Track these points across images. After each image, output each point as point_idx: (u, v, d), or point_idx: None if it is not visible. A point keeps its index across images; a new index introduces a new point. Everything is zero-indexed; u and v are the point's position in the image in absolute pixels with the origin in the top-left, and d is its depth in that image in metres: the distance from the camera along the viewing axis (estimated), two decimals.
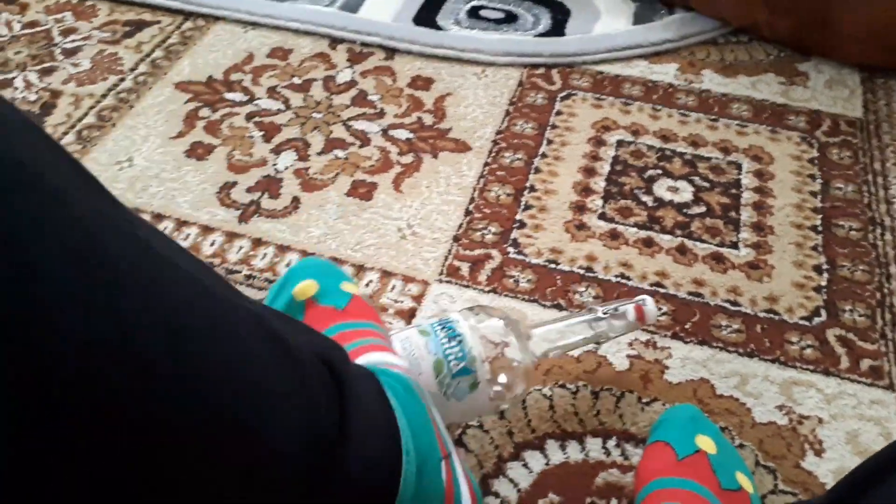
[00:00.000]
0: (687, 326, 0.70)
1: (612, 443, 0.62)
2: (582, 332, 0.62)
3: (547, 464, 0.60)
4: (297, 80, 0.95)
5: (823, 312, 0.71)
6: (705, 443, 0.57)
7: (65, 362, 0.24)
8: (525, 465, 0.60)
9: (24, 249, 0.24)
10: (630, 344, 0.68)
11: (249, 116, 0.90)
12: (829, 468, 0.60)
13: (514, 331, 0.59)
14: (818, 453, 0.61)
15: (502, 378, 0.58)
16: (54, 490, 0.25)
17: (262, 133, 0.88)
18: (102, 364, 0.25)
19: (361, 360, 0.50)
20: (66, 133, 0.87)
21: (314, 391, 0.36)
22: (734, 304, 0.72)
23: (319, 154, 0.85)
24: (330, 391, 0.37)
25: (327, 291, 0.56)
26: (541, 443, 0.62)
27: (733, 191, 0.82)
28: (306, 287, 0.56)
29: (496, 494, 0.59)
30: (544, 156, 0.86)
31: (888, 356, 0.68)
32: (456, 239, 0.77)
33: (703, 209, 0.80)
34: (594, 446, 0.62)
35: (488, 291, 0.72)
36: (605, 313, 0.62)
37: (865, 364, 0.67)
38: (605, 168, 0.85)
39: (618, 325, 0.63)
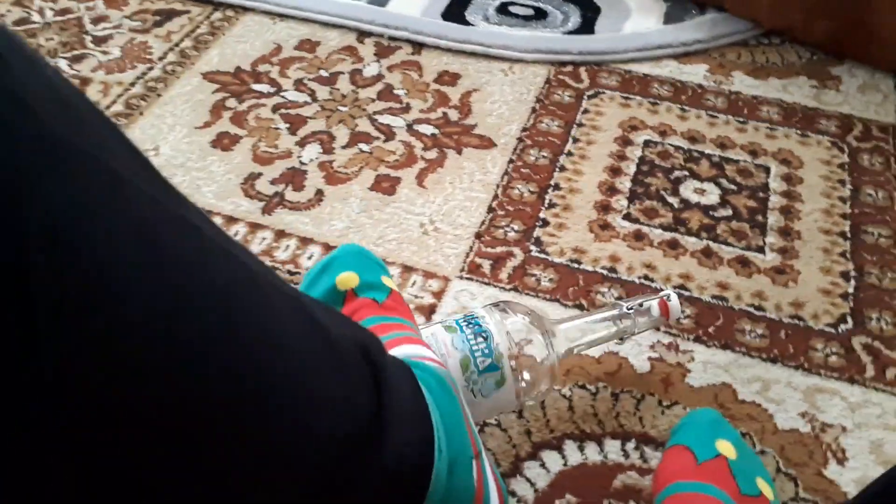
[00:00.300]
0: (710, 330, 0.69)
1: (630, 445, 0.61)
2: (606, 328, 0.62)
3: (565, 464, 0.60)
4: (324, 73, 0.95)
5: (850, 319, 0.70)
6: (725, 448, 0.57)
7: (119, 344, 0.25)
8: (542, 465, 0.60)
9: (74, 244, 0.24)
10: (651, 346, 0.68)
11: (276, 108, 0.90)
12: (852, 477, 0.60)
13: (539, 327, 0.59)
14: (841, 462, 0.61)
15: (527, 375, 0.58)
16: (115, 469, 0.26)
17: (287, 125, 0.88)
18: (155, 346, 0.26)
19: (396, 352, 0.50)
20: None
21: (353, 380, 0.36)
22: (758, 308, 0.71)
23: (344, 147, 0.86)
24: (368, 381, 0.38)
25: (368, 284, 0.57)
26: (559, 443, 0.61)
27: (761, 194, 0.81)
28: (348, 278, 0.56)
29: (513, 493, 0.58)
30: (570, 154, 0.86)
31: None
32: (478, 236, 0.76)
33: (729, 212, 0.79)
34: (613, 448, 0.61)
35: (509, 289, 0.72)
36: (629, 309, 0.62)
37: (891, 373, 0.66)
38: (631, 168, 0.84)
39: (642, 321, 0.62)
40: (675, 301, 0.63)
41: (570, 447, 0.61)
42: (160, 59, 0.97)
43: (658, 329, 0.68)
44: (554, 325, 0.61)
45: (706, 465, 0.56)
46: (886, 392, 0.65)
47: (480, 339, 0.57)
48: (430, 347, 0.53)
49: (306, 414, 0.32)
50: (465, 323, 0.59)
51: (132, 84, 0.93)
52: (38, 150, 0.24)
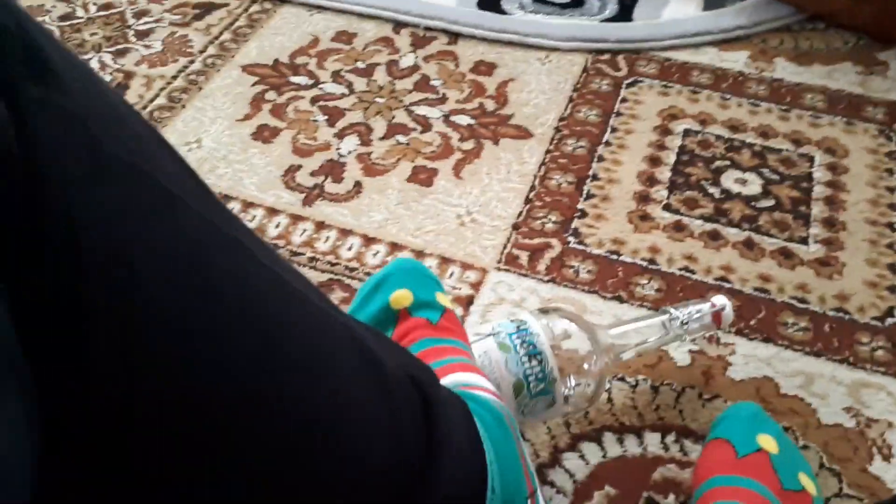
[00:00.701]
0: (752, 323, 0.68)
1: (670, 438, 0.61)
2: (655, 334, 0.61)
3: (604, 456, 0.60)
4: (360, 65, 0.96)
5: None
6: (767, 442, 0.56)
7: (160, 384, 0.25)
8: (581, 457, 0.60)
9: (128, 263, 0.24)
10: (693, 339, 0.67)
11: (314, 100, 0.91)
12: None
13: (588, 333, 0.59)
14: (886, 458, 0.60)
15: (573, 382, 0.57)
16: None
17: (325, 117, 0.89)
18: (196, 385, 0.26)
19: (448, 380, 0.49)
20: None
21: (404, 414, 0.35)
22: (802, 301, 0.70)
23: (381, 139, 0.86)
24: (418, 415, 0.36)
25: (422, 302, 0.55)
26: (598, 435, 0.61)
27: (804, 184, 0.80)
28: (402, 296, 0.55)
29: (552, 484, 0.59)
30: (608, 144, 0.85)
31: None
32: (515, 227, 0.76)
33: (771, 202, 0.78)
34: (653, 441, 0.61)
35: (547, 281, 0.72)
36: (680, 317, 0.61)
37: None
38: (670, 158, 0.83)
39: (693, 328, 0.62)
40: (728, 310, 0.62)
41: (609, 439, 0.61)
42: (200, 52, 0.98)
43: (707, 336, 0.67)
44: (602, 330, 0.60)
45: (747, 459, 0.55)
46: None
47: (535, 363, 0.56)
48: (484, 374, 0.52)
49: (353, 447, 0.32)
50: (520, 341, 0.57)
51: (174, 77, 0.95)
52: (96, 170, 0.24)
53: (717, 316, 0.62)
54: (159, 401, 0.25)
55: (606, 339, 0.60)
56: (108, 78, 0.95)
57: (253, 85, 0.93)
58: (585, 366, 0.57)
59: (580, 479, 0.59)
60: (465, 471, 0.39)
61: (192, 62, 0.97)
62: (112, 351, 0.24)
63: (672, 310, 0.62)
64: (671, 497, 0.58)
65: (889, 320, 0.68)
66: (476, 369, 0.52)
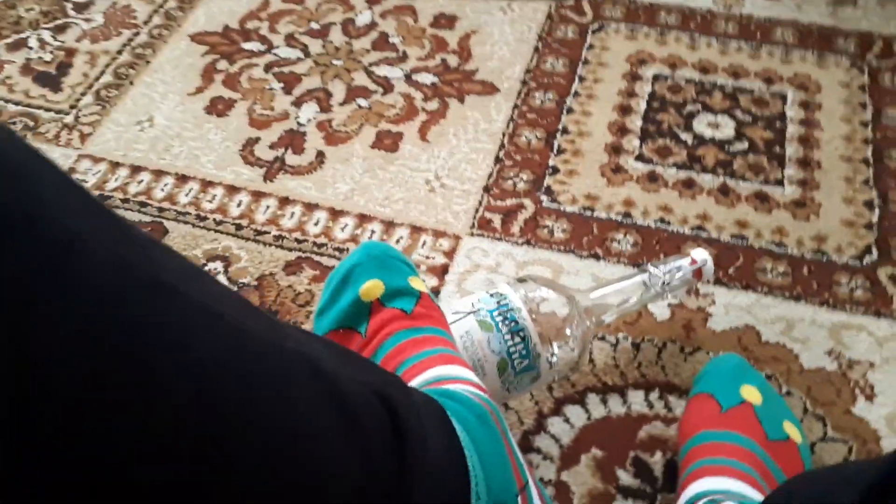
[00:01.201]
0: (730, 271, 0.67)
1: (654, 395, 0.61)
2: (637, 293, 0.60)
3: (588, 418, 0.60)
4: (315, 26, 0.92)
5: (874, 251, 0.68)
6: (750, 393, 0.56)
7: (73, 437, 0.23)
8: (566, 421, 0.60)
9: (27, 311, 0.22)
10: (674, 296, 0.66)
11: (268, 67, 0.87)
12: (882, 413, 0.59)
13: (568, 299, 0.57)
14: (869, 398, 0.60)
15: (556, 348, 0.56)
16: None
17: (281, 85, 0.85)
18: (115, 434, 0.24)
19: (428, 375, 0.47)
20: (84, 94, 0.85)
21: (370, 438, 0.33)
22: (779, 245, 0.69)
23: (342, 104, 0.83)
24: (387, 436, 0.35)
25: (395, 291, 0.52)
26: (581, 397, 0.61)
27: (778, 124, 0.78)
28: (373, 287, 0.52)
29: (538, 450, 0.58)
30: (577, 95, 0.82)
31: None
32: (486, 189, 0.74)
33: (745, 145, 0.77)
34: (636, 399, 0.60)
35: (522, 244, 0.70)
36: (661, 275, 0.60)
37: None
38: (641, 105, 0.81)
39: (674, 285, 0.60)
40: (709, 265, 0.61)
41: (593, 401, 0.60)
42: (145, 23, 0.93)
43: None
44: (583, 294, 0.59)
45: (731, 412, 0.55)
46: None
47: (518, 339, 0.54)
48: (466, 364, 0.50)
49: (314, 479, 0.30)
50: (501, 318, 0.55)
51: (119, 52, 0.90)
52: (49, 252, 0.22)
53: (697, 271, 0.61)
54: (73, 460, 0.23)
55: (587, 303, 0.58)
56: (48, 57, 0.90)
57: (203, 55, 0.89)
58: (567, 332, 0.56)
59: (566, 443, 0.58)
60: (444, 485, 0.38)
61: (136, 34, 0.92)
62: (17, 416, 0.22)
63: (652, 268, 0.61)
64: (658, 455, 0.58)
65: (867, 259, 0.68)
66: (457, 360, 0.50)
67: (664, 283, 0.59)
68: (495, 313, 0.55)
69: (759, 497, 0.48)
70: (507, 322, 0.55)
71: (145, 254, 0.28)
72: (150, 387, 0.25)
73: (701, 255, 0.61)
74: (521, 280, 0.58)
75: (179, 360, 0.26)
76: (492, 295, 0.57)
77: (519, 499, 0.43)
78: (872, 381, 0.60)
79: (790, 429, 0.55)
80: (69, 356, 0.24)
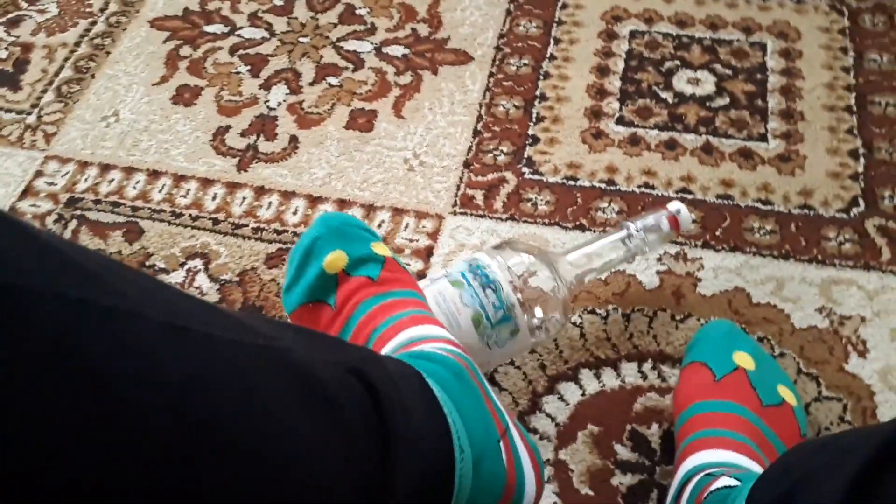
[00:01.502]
0: (717, 233, 0.66)
1: (647, 366, 0.60)
2: (615, 251, 0.59)
3: (583, 394, 0.59)
4: (278, 2, 0.88)
5: (861, 202, 0.67)
6: (743, 359, 0.56)
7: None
8: (561, 398, 0.59)
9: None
10: (659, 259, 0.65)
11: (233, 50, 0.84)
12: (875, 368, 0.59)
13: (546, 262, 0.57)
14: (862, 354, 0.59)
15: (539, 313, 0.56)
16: None
17: (248, 67, 0.82)
18: (92, 459, 0.23)
19: (401, 337, 0.47)
20: (44, 91, 0.82)
21: (351, 418, 0.33)
22: (766, 202, 0.68)
23: (312, 84, 0.80)
24: (368, 412, 0.35)
25: (359, 259, 0.52)
26: (574, 373, 0.60)
27: (758, 76, 0.76)
28: (336, 259, 0.52)
29: (534, 430, 0.58)
30: (553, 58, 0.80)
31: None
32: (466, 164, 0.73)
33: (726, 100, 0.75)
34: (629, 371, 0.60)
35: (506, 219, 0.69)
36: (638, 230, 0.59)
37: None
38: (619, 65, 0.79)
39: (652, 238, 0.60)
40: (684, 213, 0.60)
41: (586, 376, 0.60)
42: (101, 10, 0.90)
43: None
44: (561, 256, 0.59)
45: (725, 380, 0.55)
46: None
47: (490, 291, 0.55)
48: (438, 322, 0.50)
49: (294, 469, 0.30)
50: (472, 275, 0.56)
51: (77, 44, 0.86)
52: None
53: (673, 221, 0.60)
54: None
55: (565, 265, 0.58)
56: (3, 54, 0.86)
57: (165, 41, 0.86)
58: (549, 293, 0.56)
59: (562, 421, 0.58)
60: (427, 448, 0.39)
61: (94, 24, 0.88)
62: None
63: (629, 224, 0.60)
64: (654, 427, 0.58)
65: (854, 210, 0.67)
66: (428, 319, 0.51)
67: (642, 237, 0.59)
68: (466, 272, 0.56)
69: (756, 467, 0.48)
70: (477, 277, 0.55)
71: (98, 284, 0.26)
72: (122, 417, 0.25)
73: (675, 205, 0.61)
74: (498, 247, 0.58)
75: (148, 384, 0.26)
76: (466, 261, 0.58)
77: (501, 444, 0.44)
78: (864, 336, 0.60)
79: (784, 392, 0.55)
80: (25, 400, 0.23)
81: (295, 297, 0.54)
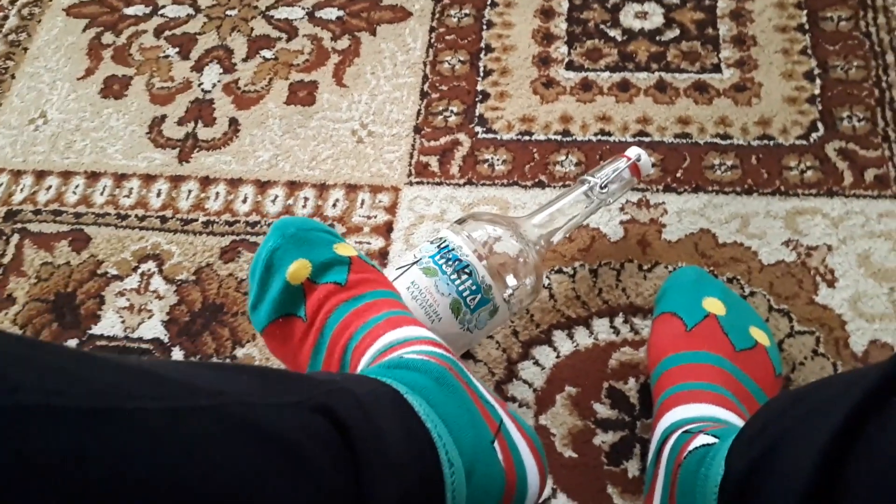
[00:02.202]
0: (678, 175, 0.65)
1: (619, 320, 0.60)
2: (580, 206, 0.58)
3: (558, 356, 0.59)
4: None
5: (820, 126, 0.66)
6: (713, 305, 0.55)
7: None
8: (536, 363, 0.59)
9: None
10: (622, 208, 0.64)
11: (158, 32, 0.79)
12: (844, 297, 0.59)
13: (512, 230, 0.55)
14: (831, 284, 0.59)
15: (511, 280, 0.54)
16: None
17: (176, 49, 0.78)
18: None
19: (380, 343, 0.45)
20: None
21: (316, 465, 0.31)
22: (725, 137, 0.66)
23: (245, 60, 0.76)
24: (337, 451, 0.33)
25: (323, 265, 0.49)
26: (547, 336, 0.60)
27: (706, 2, 0.74)
28: (298, 268, 0.49)
29: (513, 399, 0.58)
30: (494, 5, 0.77)
31: (893, 160, 0.63)
32: (417, 130, 0.70)
33: (676, 32, 0.72)
34: (602, 327, 0.60)
35: (464, 184, 0.67)
36: (602, 187, 0.58)
37: (870, 175, 0.63)
38: (563, 5, 0.75)
39: (614, 188, 0.59)
40: (644, 158, 0.59)
41: (559, 337, 0.60)
42: (11, 2, 0.84)
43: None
44: (525, 220, 0.57)
45: (696, 329, 0.54)
46: (867, 197, 0.62)
47: (465, 276, 0.53)
48: (416, 322, 0.48)
49: None
50: (444, 260, 0.54)
51: None
52: None
53: (634, 168, 0.59)
54: None
55: (531, 229, 0.56)
56: None
57: (84, 30, 0.81)
58: (520, 261, 0.55)
59: (539, 386, 0.58)
60: (411, 469, 0.37)
61: (5, 18, 0.83)
62: None
63: (589, 177, 0.58)
64: (631, 381, 0.57)
65: (813, 136, 0.66)
66: (405, 320, 0.48)
67: (604, 189, 0.57)
68: (437, 257, 0.54)
69: (734, 417, 0.48)
70: (450, 263, 0.54)
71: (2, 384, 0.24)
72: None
73: (634, 151, 0.59)
74: (461, 221, 0.56)
75: (70, 481, 0.23)
76: (432, 242, 0.56)
77: (496, 444, 0.43)
78: (832, 266, 0.60)
79: (757, 333, 0.55)
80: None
81: (263, 315, 0.50)
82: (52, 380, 0.24)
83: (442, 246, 0.55)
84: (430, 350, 0.45)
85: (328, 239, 0.51)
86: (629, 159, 0.59)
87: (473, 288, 0.53)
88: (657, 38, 0.72)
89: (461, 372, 0.45)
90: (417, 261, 0.55)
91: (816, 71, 0.69)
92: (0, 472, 0.21)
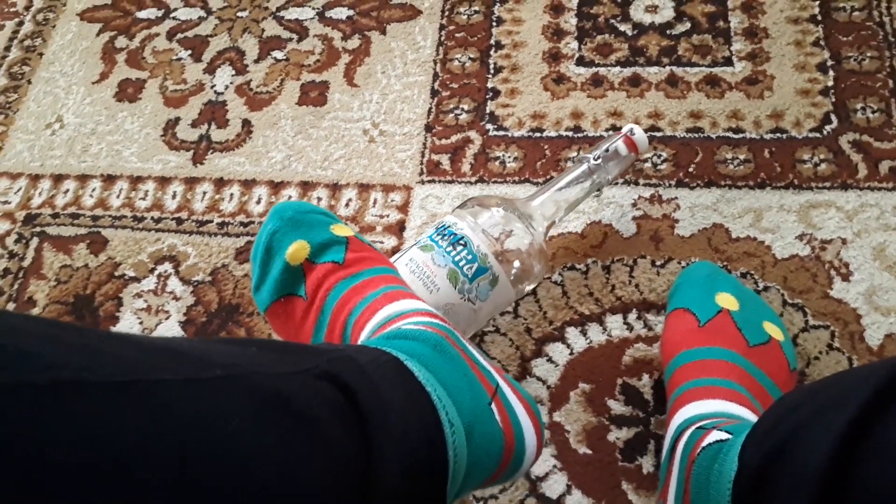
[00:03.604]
0: (691, 170, 0.65)
1: (632, 316, 0.60)
2: (581, 187, 0.58)
3: (571, 353, 0.59)
4: None
5: (833, 118, 0.65)
6: (726, 300, 0.55)
7: None
8: (549, 360, 0.59)
9: None
10: (633, 204, 0.64)
11: (170, 34, 0.80)
12: (859, 291, 0.58)
13: (513, 212, 0.56)
14: (845, 278, 0.59)
15: (517, 263, 0.55)
16: None
17: (189, 52, 0.79)
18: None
19: (379, 317, 0.46)
20: None
21: (324, 431, 0.33)
22: (737, 131, 0.66)
23: (257, 62, 0.77)
24: (345, 414, 0.34)
25: (321, 245, 0.51)
26: (561, 333, 0.60)
27: None
28: (297, 249, 0.51)
29: None
30: (504, 1, 0.77)
31: None
32: (428, 128, 0.70)
33: (687, 26, 0.72)
34: (615, 324, 0.60)
35: (475, 182, 0.67)
36: (596, 159, 0.58)
37: (884, 167, 0.63)
38: (573, 0, 0.75)
39: (612, 166, 0.59)
40: (638, 133, 0.59)
41: (572, 334, 0.60)
42: (26, 8, 0.85)
43: (632, 168, 0.64)
44: (527, 203, 0.57)
45: (709, 325, 0.54)
46: (882, 190, 0.62)
47: (460, 247, 0.54)
48: (412, 295, 0.49)
49: (275, 492, 0.30)
50: (440, 236, 0.55)
51: (7, 49, 0.82)
52: None
53: (630, 142, 0.59)
54: None
55: (533, 210, 0.57)
56: None
57: (98, 34, 0.81)
58: (525, 241, 0.55)
59: (553, 383, 0.58)
60: (413, 432, 0.38)
61: (21, 24, 0.84)
62: None
63: (587, 156, 0.59)
64: (645, 377, 0.57)
65: (827, 128, 0.65)
66: (403, 294, 0.50)
67: (602, 166, 0.58)
68: (434, 235, 0.56)
69: (747, 413, 0.48)
70: (445, 237, 0.55)
71: (32, 362, 0.25)
72: (70, 493, 0.24)
73: (627, 126, 0.60)
74: (463, 205, 0.57)
75: (94, 452, 0.24)
76: (432, 226, 0.57)
77: (493, 406, 0.44)
78: (847, 259, 0.60)
79: (770, 328, 0.55)
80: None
81: (265, 295, 0.53)
82: (80, 357, 0.25)
83: (439, 226, 0.57)
84: (428, 321, 0.47)
85: (325, 220, 0.53)
86: (625, 135, 0.59)
87: (469, 257, 0.54)
88: (668, 31, 0.72)
89: (456, 339, 0.47)
90: (416, 242, 0.56)
91: (829, 62, 0.68)
92: (41, 446, 0.22)
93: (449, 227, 0.56)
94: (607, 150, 0.58)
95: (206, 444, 0.28)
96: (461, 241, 0.54)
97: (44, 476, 0.23)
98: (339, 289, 0.50)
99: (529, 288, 0.58)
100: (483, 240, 0.54)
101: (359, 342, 0.47)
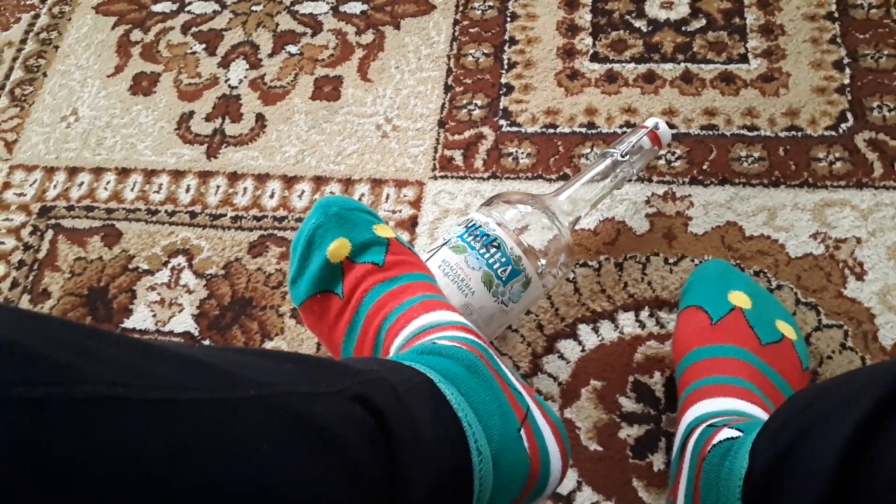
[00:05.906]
0: (704, 167, 0.65)
1: (644, 314, 0.60)
2: (605, 181, 0.58)
3: (583, 350, 0.59)
4: None
5: (849, 116, 0.65)
6: (739, 298, 0.55)
7: None
8: (561, 357, 0.59)
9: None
10: (647, 201, 0.64)
11: (185, 28, 0.80)
12: (873, 290, 0.58)
13: (540, 208, 0.56)
14: (860, 277, 0.59)
15: (543, 260, 0.55)
16: None
17: (203, 45, 0.79)
18: None
19: (414, 326, 0.46)
20: None
21: (352, 457, 0.32)
22: (752, 128, 0.66)
23: (271, 56, 0.77)
24: (374, 439, 0.34)
25: (362, 245, 0.51)
26: (572, 330, 0.60)
27: None
28: (339, 247, 0.50)
29: (538, 392, 0.58)
30: None
31: None
32: (441, 124, 0.70)
33: (702, 22, 0.72)
34: (627, 321, 0.60)
35: (488, 178, 0.67)
36: (624, 155, 0.58)
37: None
38: None
39: (636, 160, 0.59)
40: (663, 127, 0.59)
41: (584, 331, 0.60)
42: (42, 1, 0.85)
43: (645, 165, 0.64)
44: (553, 198, 0.57)
45: (722, 323, 0.54)
46: None
47: (494, 249, 0.54)
48: (449, 307, 0.49)
49: None
50: (472, 237, 0.54)
51: (23, 42, 0.83)
52: None
53: (654, 137, 0.59)
54: None
55: (559, 206, 0.57)
56: None
57: (113, 27, 0.82)
58: (550, 236, 0.55)
59: (564, 380, 0.58)
60: (441, 457, 0.38)
61: (37, 17, 0.84)
62: None
63: (612, 151, 0.59)
64: (657, 375, 0.57)
65: (842, 126, 0.65)
66: (439, 304, 0.49)
67: (628, 160, 0.58)
68: (465, 235, 0.55)
69: (759, 411, 0.48)
70: (478, 238, 0.54)
71: (65, 374, 0.25)
72: None
73: (652, 121, 0.60)
74: (489, 203, 0.57)
75: (129, 470, 0.25)
76: (460, 224, 0.57)
77: (522, 432, 0.44)
78: (861, 258, 0.59)
79: (783, 327, 0.55)
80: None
81: (302, 290, 0.52)
82: (114, 371, 0.25)
83: (469, 225, 0.56)
84: (462, 336, 0.46)
85: (368, 219, 0.53)
86: (649, 129, 0.59)
87: (503, 260, 0.54)
88: (683, 28, 0.72)
89: (490, 359, 0.46)
90: (446, 241, 0.56)
91: (846, 60, 0.68)
92: (72, 461, 0.22)
93: (480, 226, 0.55)
94: (632, 146, 0.58)
95: (237, 467, 0.28)
96: (495, 243, 0.54)
97: (73, 490, 0.23)
98: (377, 291, 0.49)
99: (555, 282, 0.58)
100: (515, 240, 0.54)
101: (391, 349, 0.47)
